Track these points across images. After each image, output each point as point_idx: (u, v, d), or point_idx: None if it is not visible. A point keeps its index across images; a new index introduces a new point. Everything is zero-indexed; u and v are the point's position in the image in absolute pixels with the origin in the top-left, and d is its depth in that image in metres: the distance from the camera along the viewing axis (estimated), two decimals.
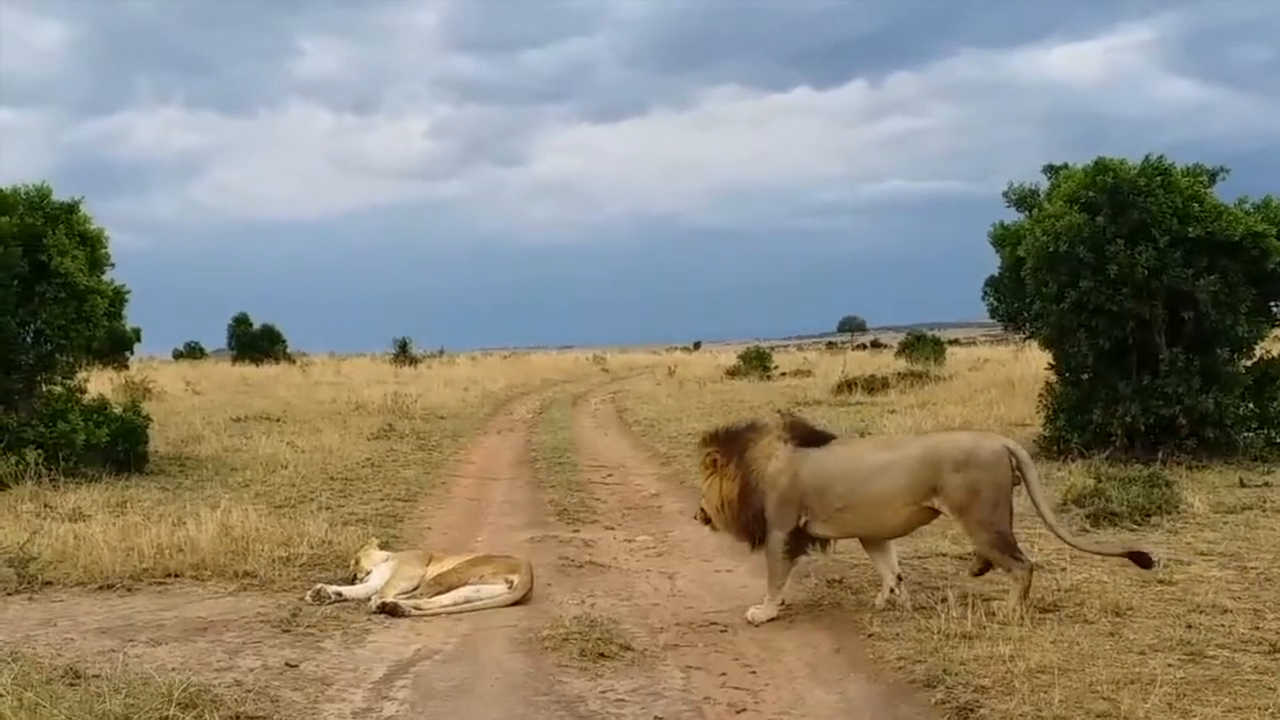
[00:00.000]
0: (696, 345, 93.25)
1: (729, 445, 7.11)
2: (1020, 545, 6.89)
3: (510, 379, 36.82)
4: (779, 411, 8.36)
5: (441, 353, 59.96)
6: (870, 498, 6.75)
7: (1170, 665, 5.52)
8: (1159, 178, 12.30)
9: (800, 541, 6.93)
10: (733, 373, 35.23)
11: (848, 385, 25.23)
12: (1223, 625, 6.20)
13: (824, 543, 7.11)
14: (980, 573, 6.99)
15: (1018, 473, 6.70)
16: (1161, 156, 12.66)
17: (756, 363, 36.00)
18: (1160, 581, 7.21)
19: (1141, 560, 6.80)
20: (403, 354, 49.60)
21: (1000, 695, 5.17)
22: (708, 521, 7.28)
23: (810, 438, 7.07)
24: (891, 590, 6.96)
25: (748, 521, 6.97)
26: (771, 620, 6.82)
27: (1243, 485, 10.74)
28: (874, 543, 7.07)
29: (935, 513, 6.80)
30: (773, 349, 49.77)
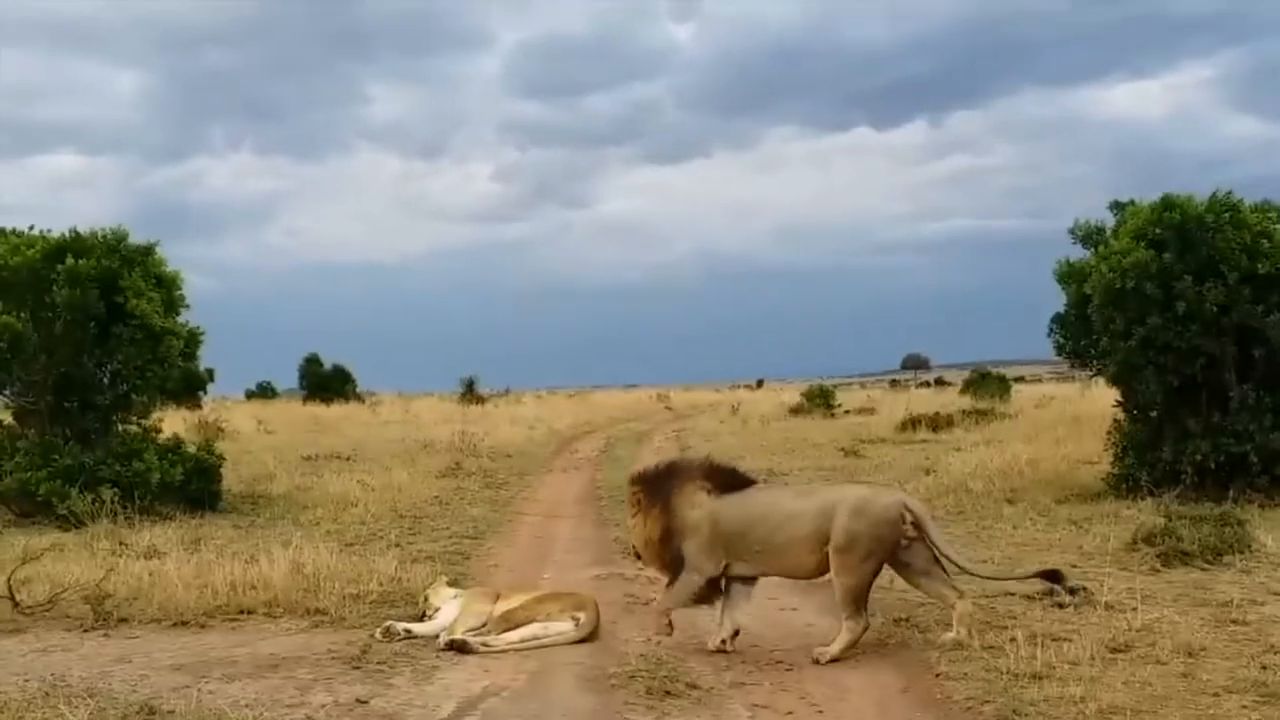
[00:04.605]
0: (760, 383, 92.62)
1: (652, 487, 7.32)
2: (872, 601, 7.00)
3: (575, 417, 36.93)
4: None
5: (508, 391, 60.43)
6: (783, 543, 6.99)
7: (1245, 707, 5.44)
8: (1227, 214, 12.16)
9: (719, 585, 7.13)
10: (796, 410, 35.12)
11: (912, 423, 25.08)
12: None
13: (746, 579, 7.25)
14: None
15: (915, 527, 6.86)
16: (1230, 192, 12.53)
17: (820, 400, 35.89)
18: (1234, 622, 7.12)
19: (1053, 577, 7.11)
20: (469, 393, 50.05)
21: None
22: (638, 556, 7.53)
23: (730, 483, 7.28)
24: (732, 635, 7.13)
25: (670, 560, 7.18)
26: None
27: None
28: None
29: None
30: (836, 387, 49.50)
